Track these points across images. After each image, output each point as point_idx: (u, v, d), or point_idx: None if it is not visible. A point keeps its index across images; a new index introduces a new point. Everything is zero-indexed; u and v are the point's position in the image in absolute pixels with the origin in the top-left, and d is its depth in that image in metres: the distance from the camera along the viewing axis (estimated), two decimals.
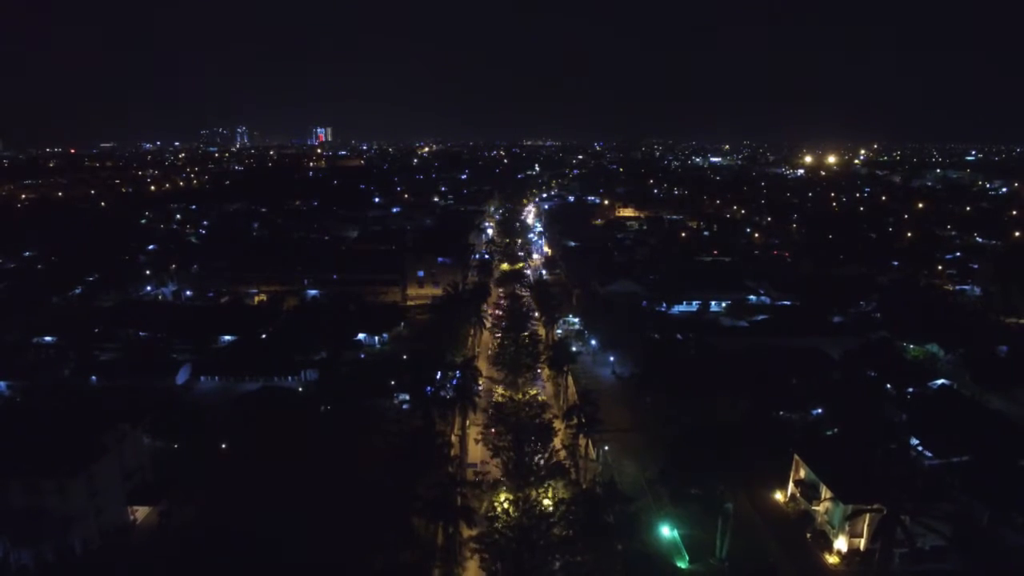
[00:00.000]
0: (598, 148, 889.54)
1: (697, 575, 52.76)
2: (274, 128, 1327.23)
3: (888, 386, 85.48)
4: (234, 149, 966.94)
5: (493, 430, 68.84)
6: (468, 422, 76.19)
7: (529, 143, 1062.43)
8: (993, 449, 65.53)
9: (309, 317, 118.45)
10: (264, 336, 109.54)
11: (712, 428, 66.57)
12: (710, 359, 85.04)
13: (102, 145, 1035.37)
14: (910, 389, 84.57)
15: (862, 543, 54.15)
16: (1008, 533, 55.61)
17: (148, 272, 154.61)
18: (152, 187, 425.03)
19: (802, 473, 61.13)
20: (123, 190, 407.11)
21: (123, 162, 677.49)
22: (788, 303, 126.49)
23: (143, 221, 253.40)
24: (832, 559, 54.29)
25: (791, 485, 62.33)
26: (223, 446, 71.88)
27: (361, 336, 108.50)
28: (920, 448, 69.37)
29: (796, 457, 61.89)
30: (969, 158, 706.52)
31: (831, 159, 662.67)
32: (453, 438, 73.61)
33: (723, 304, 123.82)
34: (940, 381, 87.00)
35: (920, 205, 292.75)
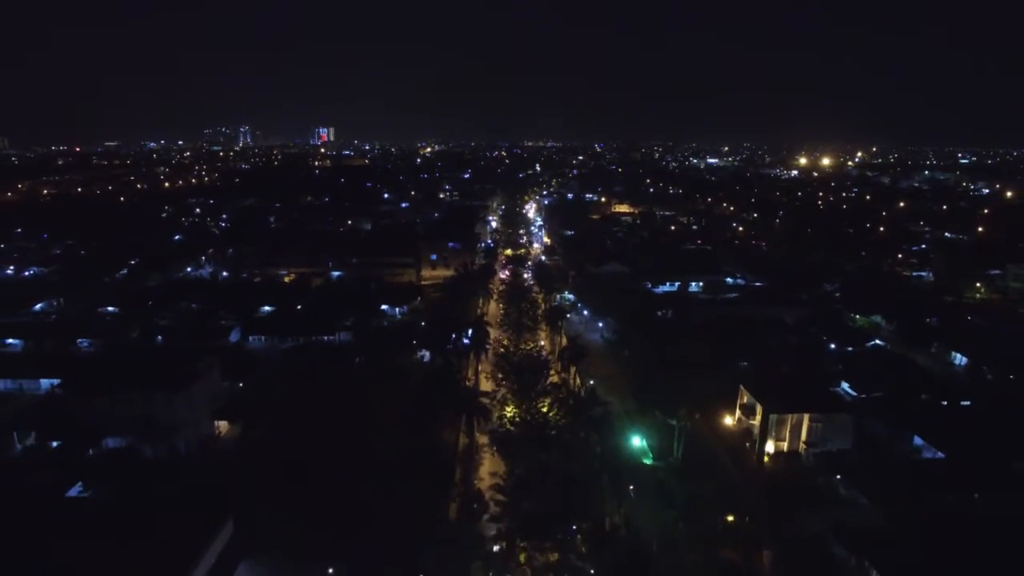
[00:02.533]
0: (598, 149, 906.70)
1: (658, 469, 68.58)
2: (276, 128, 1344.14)
3: (832, 346, 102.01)
4: (237, 148, 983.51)
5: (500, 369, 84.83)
6: (480, 367, 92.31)
7: (530, 144, 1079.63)
8: (901, 388, 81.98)
9: (336, 292, 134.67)
10: (299, 307, 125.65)
11: (678, 369, 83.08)
12: (682, 321, 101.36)
13: (106, 144, 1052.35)
14: (849, 348, 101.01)
15: (785, 445, 70.40)
16: (900, 444, 71.62)
17: (185, 256, 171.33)
18: (166, 184, 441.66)
19: (745, 399, 77.30)
20: (138, 186, 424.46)
21: (130, 160, 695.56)
22: (759, 284, 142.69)
23: (163, 215, 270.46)
24: (763, 458, 70.40)
25: (737, 410, 78.49)
26: (278, 384, 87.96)
27: (384, 307, 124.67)
28: (847, 387, 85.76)
29: (741, 387, 78.10)
30: (963, 161, 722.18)
31: (825, 161, 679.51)
32: (468, 376, 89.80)
33: (701, 284, 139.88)
34: (875, 342, 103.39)
35: (902, 204, 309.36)
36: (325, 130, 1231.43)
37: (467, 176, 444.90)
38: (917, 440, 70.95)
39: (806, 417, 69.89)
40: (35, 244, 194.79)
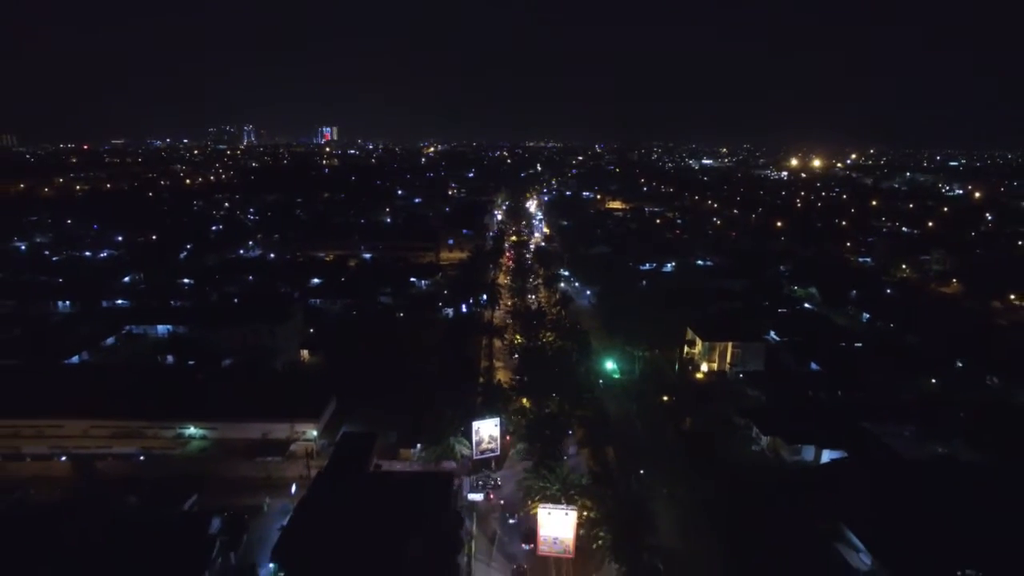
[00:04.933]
0: (599, 150, 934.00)
1: (623, 382, 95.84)
2: (278, 127, 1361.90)
3: (771, 307, 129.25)
4: (242, 147, 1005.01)
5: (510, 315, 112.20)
6: (494, 319, 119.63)
7: (531, 144, 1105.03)
8: (812, 334, 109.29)
9: (372, 268, 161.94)
10: (342, 280, 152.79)
11: (641, 316, 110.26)
12: (651, 288, 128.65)
13: (113, 142, 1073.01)
14: (782, 309, 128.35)
15: (716, 366, 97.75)
16: (800, 368, 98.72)
17: (232, 241, 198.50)
18: (187, 181, 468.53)
19: (689, 335, 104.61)
20: (162, 183, 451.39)
21: (141, 159, 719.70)
22: (723, 265, 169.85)
23: (195, 208, 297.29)
24: (699, 375, 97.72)
25: (685, 345, 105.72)
26: (342, 328, 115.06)
27: (412, 280, 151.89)
28: (774, 334, 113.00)
29: (688, 328, 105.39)
30: (953, 164, 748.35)
31: (816, 163, 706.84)
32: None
33: (674, 265, 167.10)
34: (805, 305, 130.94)
35: (874, 203, 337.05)
36: (328, 129, 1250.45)
37: (471, 175, 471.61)
38: (814, 366, 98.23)
39: (730, 345, 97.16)
40: (92, 233, 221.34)
